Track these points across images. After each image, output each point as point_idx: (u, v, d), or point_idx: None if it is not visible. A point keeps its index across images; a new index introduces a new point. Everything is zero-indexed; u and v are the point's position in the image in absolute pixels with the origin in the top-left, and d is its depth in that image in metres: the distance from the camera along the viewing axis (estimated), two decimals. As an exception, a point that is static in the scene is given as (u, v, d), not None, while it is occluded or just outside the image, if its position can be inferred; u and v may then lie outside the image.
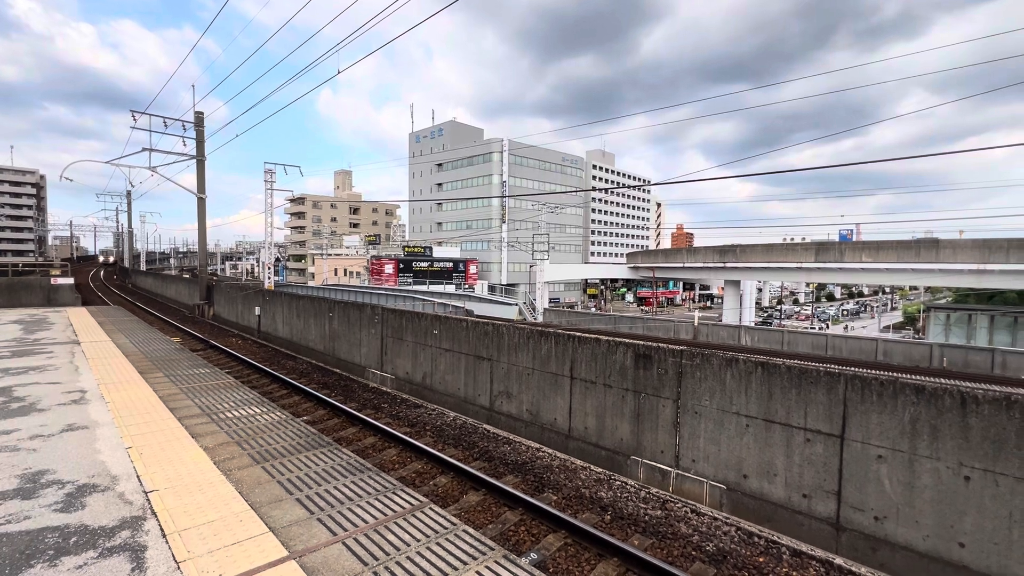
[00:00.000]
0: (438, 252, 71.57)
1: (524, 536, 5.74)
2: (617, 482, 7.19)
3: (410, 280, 61.15)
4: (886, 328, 61.44)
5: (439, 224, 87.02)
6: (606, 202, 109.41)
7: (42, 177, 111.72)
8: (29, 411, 6.39)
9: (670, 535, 5.83)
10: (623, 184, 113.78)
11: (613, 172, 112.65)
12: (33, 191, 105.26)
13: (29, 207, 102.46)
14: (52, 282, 22.85)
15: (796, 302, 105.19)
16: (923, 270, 38.88)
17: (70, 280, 23.83)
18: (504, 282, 74.51)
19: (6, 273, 25.39)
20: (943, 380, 5.46)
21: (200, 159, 25.89)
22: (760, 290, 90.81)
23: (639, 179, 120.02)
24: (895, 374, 5.89)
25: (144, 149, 24.49)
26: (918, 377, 5.78)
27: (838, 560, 5.38)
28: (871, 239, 45.89)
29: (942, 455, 5.03)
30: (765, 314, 76.01)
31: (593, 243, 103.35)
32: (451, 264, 68.49)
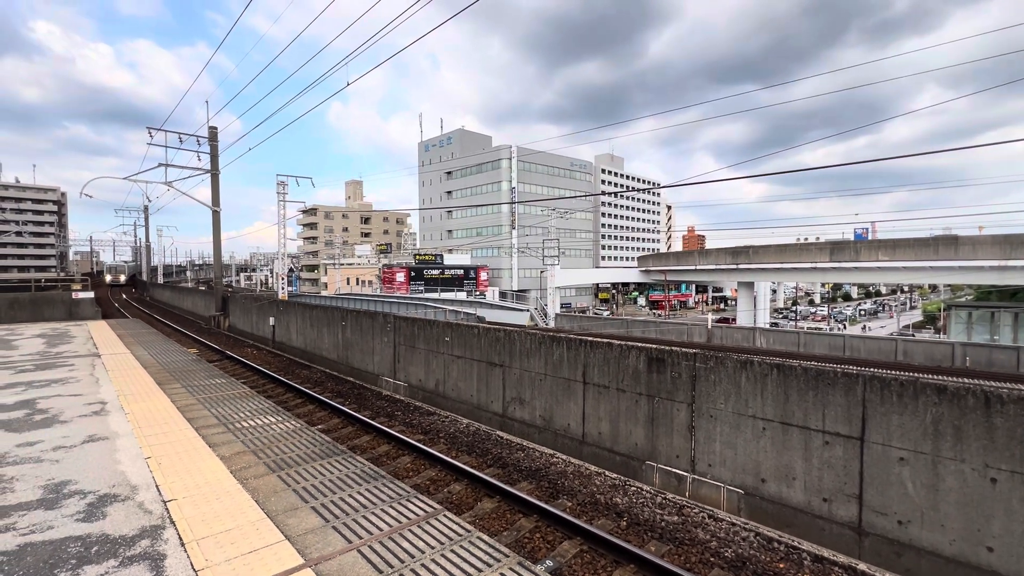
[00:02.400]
0: (449, 259, 71.92)
1: (539, 543, 5.70)
2: (632, 487, 7.12)
3: (421, 288, 61.50)
4: (905, 328, 60.22)
5: (449, 232, 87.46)
6: (616, 206, 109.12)
7: (63, 194, 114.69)
8: (52, 423, 6.52)
9: (687, 541, 5.75)
10: (632, 188, 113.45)
11: (622, 176, 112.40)
12: (54, 208, 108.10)
13: (51, 224, 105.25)
14: (73, 296, 23.40)
15: (812, 303, 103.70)
16: (942, 268, 38.13)
17: (90, 294, 24.38)
18: (515, 288, 74.53)
19: (29, 288, 26.06)
20: (966, 380, 5.33)
21: (214, 173, 26.39)
22: (774, 291, 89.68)
23: (648, 182, 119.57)
24: (915, 374, 5.77)
25: (160, 164, 25.06)
26: (940, 377, 5.66)
27: (861, 566, 5.25)
28: (887, 237, 45.14)
29: (967, 457, 4.91)
30: (780, 315, 74.96)
31: (603, 247, 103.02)
32: (462, 271, 68.78)
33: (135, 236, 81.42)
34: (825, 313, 76.04)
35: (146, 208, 67.19)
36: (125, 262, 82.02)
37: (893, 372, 5.78)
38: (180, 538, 3.76)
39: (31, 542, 3.68)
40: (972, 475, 4.87)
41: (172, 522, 4.00)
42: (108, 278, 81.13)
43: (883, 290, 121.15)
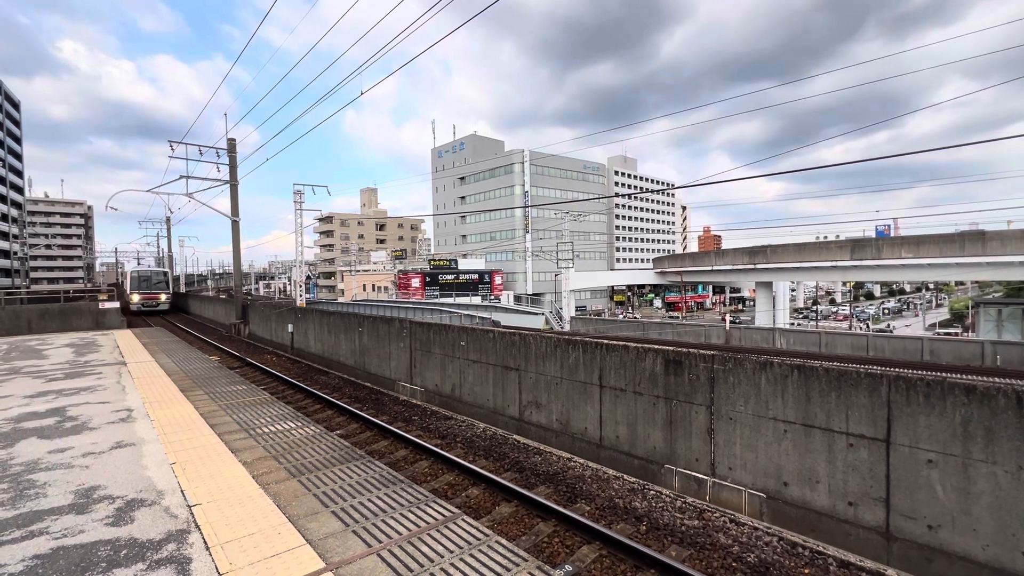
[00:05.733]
0: (463, 264, 72.24)
1: (558, 548, 5.67)
2: (651, 491, 7.04)
3: (437, 293, 61.86)
4: (931, 326, 58.58)
5: (463, 237, 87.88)
6: (630, 208, 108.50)
7: (89, 208, 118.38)
8: (81, 430, 6.72)
9: (708, 546, 5.66)
10: (646, 189, 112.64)
11: (635, 177, 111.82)
12: (82, 221, 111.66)
13: (78, 236, 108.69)
14: (100, 306, 24.05)
15: (833, 302, 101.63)
16: (969, 264, 37.07)
17: (116, 304, 25.01)
18: (530, 292, 74.51)
19: (59, 299, 26.90)
20: (997, 379, 5.17)
21: (233, 184, 26.95)
22: (794, 291, 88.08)
23: (662, 183, 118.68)
24: (943, 374, 5.61)
25: (181, 176, 25.71)
26: (968, 376, 5.50)
27: (890, 572, 5.11)
28: (911, 234, 44.07)
29: (999, 459, 4.75)
30: (800, 315, 73.54)
31: (618, 249, 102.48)
32: (476, 276, 69.03)
33: (158, 247, 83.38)
34: (847, 312, 74.38)
35: (168, 219, 68.83)
36: (164, 272, 45.43)
37: (919, 372, 5.64)
38: (205, 542, 3.84)
39: (63, 546, 3.79)
40: (1005, 478, 4.72)
41: (197, 526, 4.08)
42: (136, 298, 42.30)
43: (907, 288, 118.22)
